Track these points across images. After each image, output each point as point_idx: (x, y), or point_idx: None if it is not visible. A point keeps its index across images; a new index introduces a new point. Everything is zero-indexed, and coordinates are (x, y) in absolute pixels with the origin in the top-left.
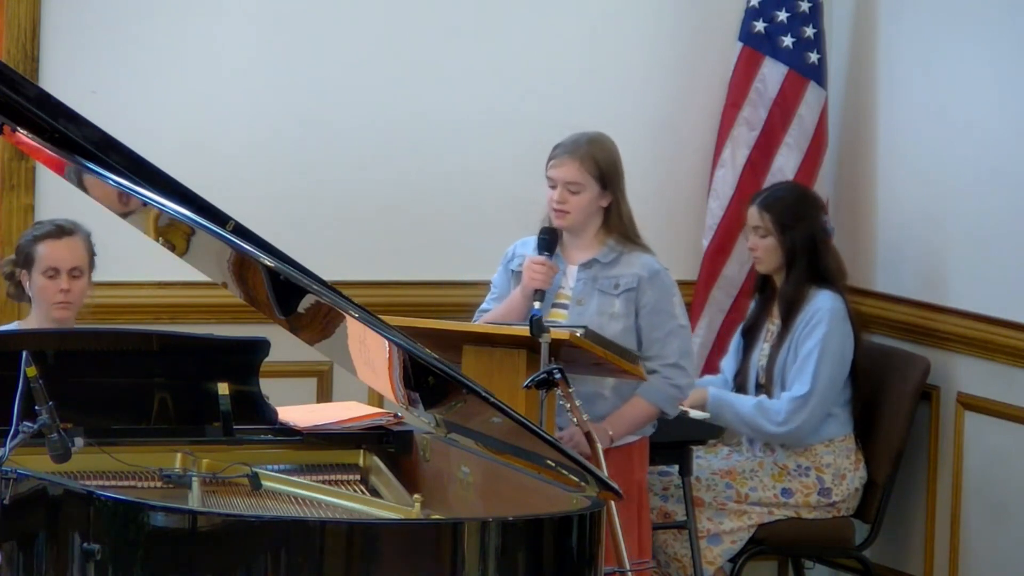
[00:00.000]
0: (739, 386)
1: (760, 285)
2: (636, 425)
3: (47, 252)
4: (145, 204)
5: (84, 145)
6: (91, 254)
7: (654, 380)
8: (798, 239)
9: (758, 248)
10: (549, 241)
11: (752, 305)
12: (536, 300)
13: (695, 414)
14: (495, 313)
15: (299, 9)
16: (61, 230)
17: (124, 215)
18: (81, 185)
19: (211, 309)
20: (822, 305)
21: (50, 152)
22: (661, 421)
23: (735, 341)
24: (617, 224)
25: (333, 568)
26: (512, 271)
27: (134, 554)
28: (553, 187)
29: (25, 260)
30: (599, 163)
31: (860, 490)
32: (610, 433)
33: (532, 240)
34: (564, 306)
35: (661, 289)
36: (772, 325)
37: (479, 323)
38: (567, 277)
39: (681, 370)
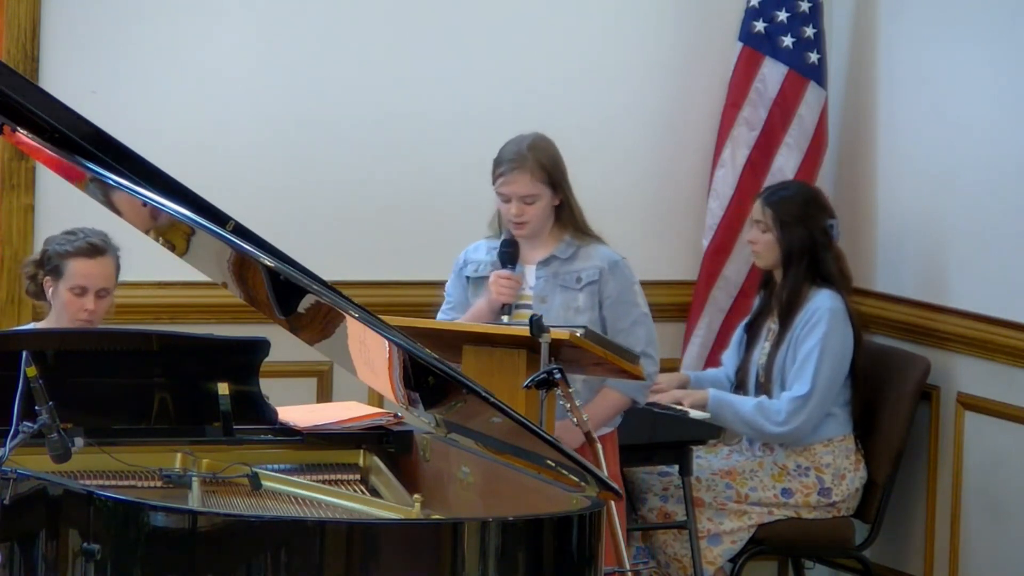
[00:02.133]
0: (740, 383)
1: (764, 281)
2: (609, 416)
3: (78, 270)
4: (145, 204)
5: (84, 145)
6: (118, 271)
7: None
8: (796, 239)
9: (757, 242)
10: (511, 254)
11: (756, 301)
12: (504, 314)
13: (695, 414)
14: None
15: (299, 10)
16: (94, 248)
17: (148, 231)
18: (108, 202)
19: (211, 309)
20: (821, 305)
21: (50, 152)
22: (663, 421)
23: (737, 334)
24: (570, 219)
25: (333, 568)
26: (467, 278)
27: (134, 554)
28: (507, 201)
29: (53, 270)
30: (546, 168)
31: (860, 490)
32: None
33: (482, 244)
34: (527, 306)
35: (622, 279)
36: (773, 324)
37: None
38: (525, 277)
39: (649, 358)
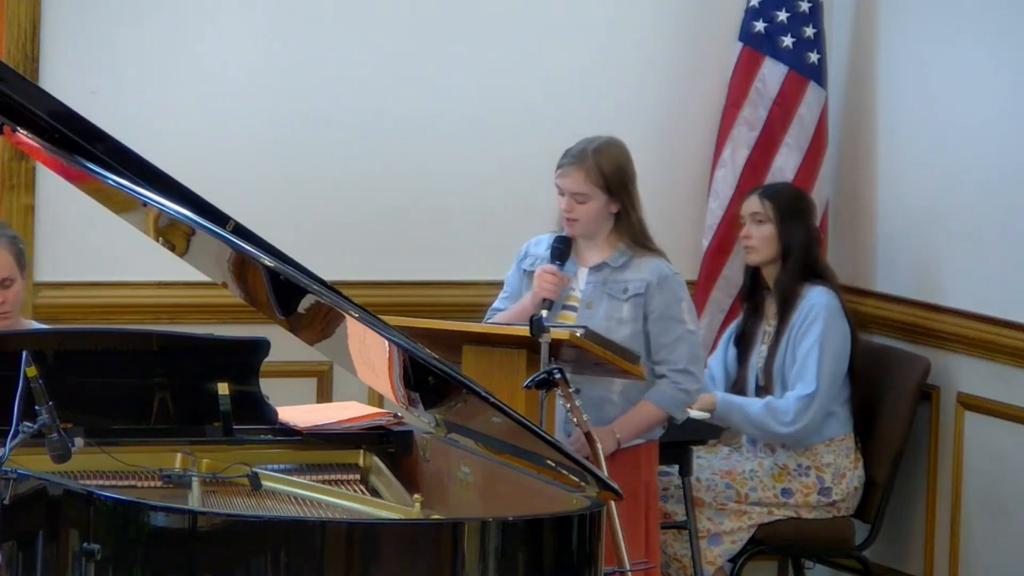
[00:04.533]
0: (738, 392)
1: (748, 292)
2: (643, 429)
3: None
4: (145, 204)
5: (84, 145)
6: (19, 256)
7: (663, 384)
8: (796, 233)
9: (753, 236)
10: (562, 251)
11: (742, 314)
12: (544, 308)
13: (695, 414)
14: (505, 315)
15: (300, 8)
16: None
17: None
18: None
19: (211, 309)
20: (817, 301)
21: (50, 152)
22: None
23: (723, 343)
24: (627, 229)
25: (333, 568)
26: (524, 270)
27: (134, 554)
28: (561, 194)
29: None
30: (604, 173)
31: (859, 489)
32: (617, 436)
33: (545, 239)
34: (574, 308)
35: (670, 294)
36: (768, 327)
37: (489, 323)
38: (578, 279)
39: (690, 375)
